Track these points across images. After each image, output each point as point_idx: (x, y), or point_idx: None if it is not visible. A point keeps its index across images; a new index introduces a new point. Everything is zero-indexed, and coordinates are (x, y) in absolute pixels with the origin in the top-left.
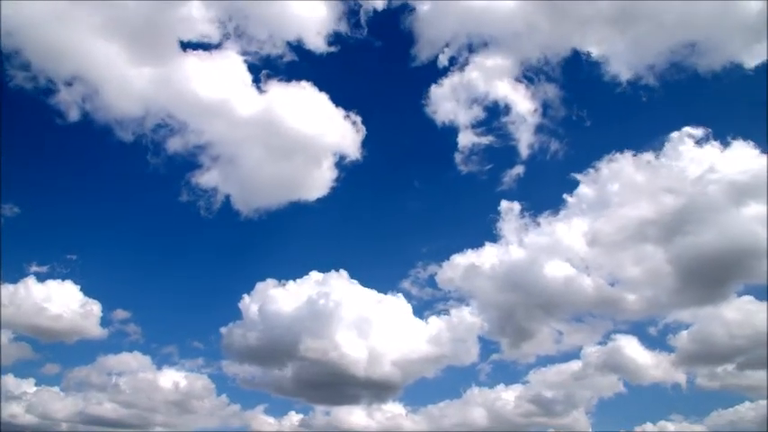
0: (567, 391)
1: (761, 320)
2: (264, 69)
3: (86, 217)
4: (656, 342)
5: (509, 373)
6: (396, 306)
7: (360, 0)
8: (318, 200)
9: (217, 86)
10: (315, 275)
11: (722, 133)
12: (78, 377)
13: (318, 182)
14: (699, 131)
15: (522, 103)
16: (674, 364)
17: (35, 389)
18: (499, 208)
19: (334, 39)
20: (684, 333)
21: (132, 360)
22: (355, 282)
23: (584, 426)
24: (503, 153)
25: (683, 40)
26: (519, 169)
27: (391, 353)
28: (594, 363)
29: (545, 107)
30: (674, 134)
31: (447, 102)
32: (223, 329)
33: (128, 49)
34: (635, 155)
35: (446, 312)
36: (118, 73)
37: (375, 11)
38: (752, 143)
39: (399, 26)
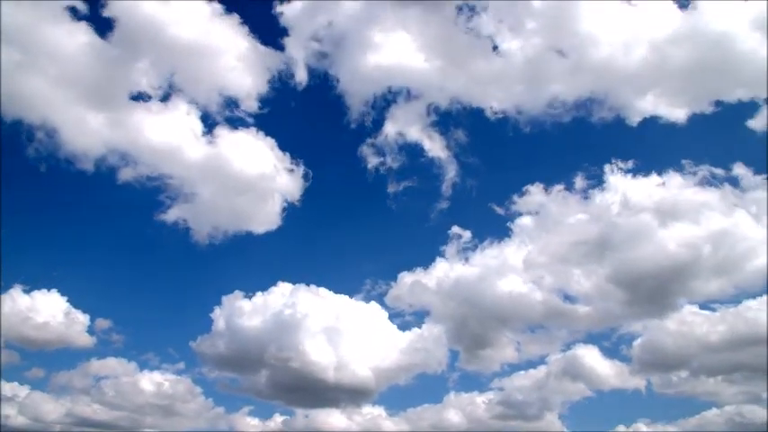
0: (537, 396)
1: (706, 330)
2: (211, 119)
3: (70, 238)
4: (613, 351)
5: (478, 381)
6: (366, 314)
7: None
8: (267, 233)
9: (169, 133)
10: (282, 286)
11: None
12: (66, 382)
13: (268, 217)
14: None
15: (437, 147)
16: (632, 373)
17: (27, 392)
18: (449, 231)
19: (273, 98)
20: (638, 343)
21: (118, 365)
22: (322, 289)
23: (558, 428)
24: (428, 191)
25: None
26: (444, 204)
27: (361, 360)
28: (558, 370)
29: (458, 150)
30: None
31: (374, 154)
32: (193, 342)
33: (84, 96)
34: (546, 188)
35: (417, 324)
36: (75, 116)
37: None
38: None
39: (327, 93)
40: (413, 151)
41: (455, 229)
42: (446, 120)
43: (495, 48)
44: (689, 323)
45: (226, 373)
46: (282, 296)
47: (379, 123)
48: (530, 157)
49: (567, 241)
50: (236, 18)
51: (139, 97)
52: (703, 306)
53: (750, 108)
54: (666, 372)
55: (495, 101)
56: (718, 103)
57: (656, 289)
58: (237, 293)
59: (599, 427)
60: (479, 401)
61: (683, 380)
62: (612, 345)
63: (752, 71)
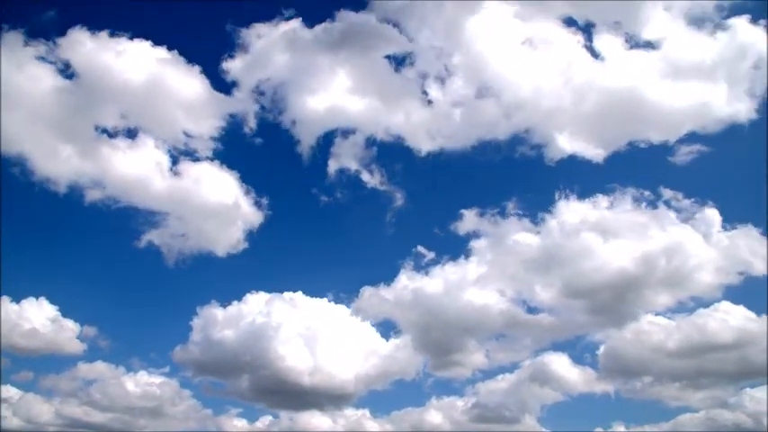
0: (514, 399)
1: (664, 338)
2: (176, 154)
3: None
4: (580, 358)
5: (452, 386)
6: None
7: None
8: (233, 255)
9: (136, 165)
10: (257, 296)
11: None
12: (57, 385)
13: (231, 241)
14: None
15: (376, 179)
16: (599, 378)
17: (21, 394)
18: (413, 250)
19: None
20: (601, 351)
21: (107, 369)
22: (299, 294)
23: (538, 428)
24: (376, 218)
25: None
26: (392, 229)
27: (338, 365)
28: (530, 376)
29: (398, 181)
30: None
31: (324, 187)
32: (175, 350)
33: (55, 131)
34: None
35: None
36: (47, 147)
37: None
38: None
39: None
40: (355, 183)
41: (417, 249)
42: (383, 154)
43: (424, 92)
44: (647, 332)
45: (208, 378)
46: (256, 305)
47: (324, 159)
48: (467, 186)
49: (519, 259)
50: (192, 66)
51: (107, 133)
52: (660, 315)
53: (664, 149)
54: (631, 378)
55: (427, 137)
56: (632, 143)
57: (611, 300)
58: (213, 303)
59: (577, 428)
60: (459, 405)
61: (647, 384)
62: (579, 352)
63: (661, 117)
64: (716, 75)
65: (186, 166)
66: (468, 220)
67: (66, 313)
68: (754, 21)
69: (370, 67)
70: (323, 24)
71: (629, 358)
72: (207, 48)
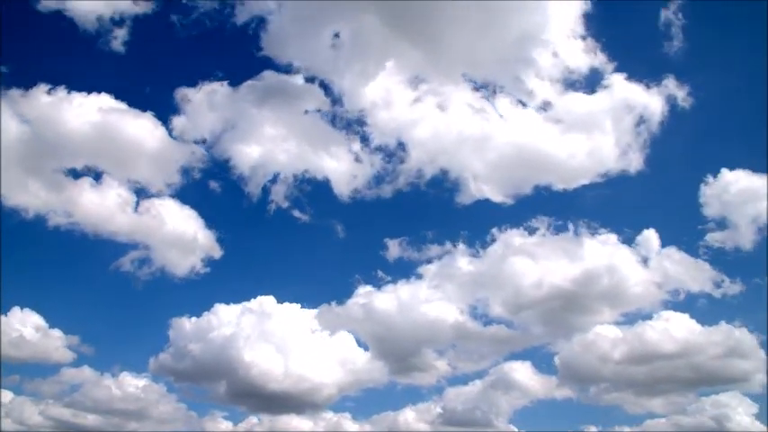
0: (482, 404)
1: (611, 347)
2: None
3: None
4: (541, 367)
5: (419, 393)
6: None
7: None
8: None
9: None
10: (230, 306)
11: None
12: (47, 390)
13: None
14: None
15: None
16: (560, 385)
17: (11, 397)
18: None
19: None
20: (558, 360)
21: (93, 375)
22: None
23: (511, 429)
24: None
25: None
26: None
27: (309, 371)
28: (494, 383)
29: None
30: None
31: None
32: (153, 358)
33: (24, 170)
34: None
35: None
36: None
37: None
38: None
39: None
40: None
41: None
42: (316, 192)
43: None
44: (595, 342)
45: (188, 384)
46: (225, 315)
47: (266, 198)
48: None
49: (466, 279)
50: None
51: (72, 173)
52: (608, 325)
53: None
54: (588, 384)
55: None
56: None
57: (558, 313)
58: (185, 317)
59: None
60: (431, 409)
61: (603, 390)
62: (539, 361)
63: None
64: (603, 129)
65: (149, 203)
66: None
67: (52, 324)
68: (630, 79)
69: (293, 118)
70: (250, 82)
71: (582, 367)
72: (160, 101)
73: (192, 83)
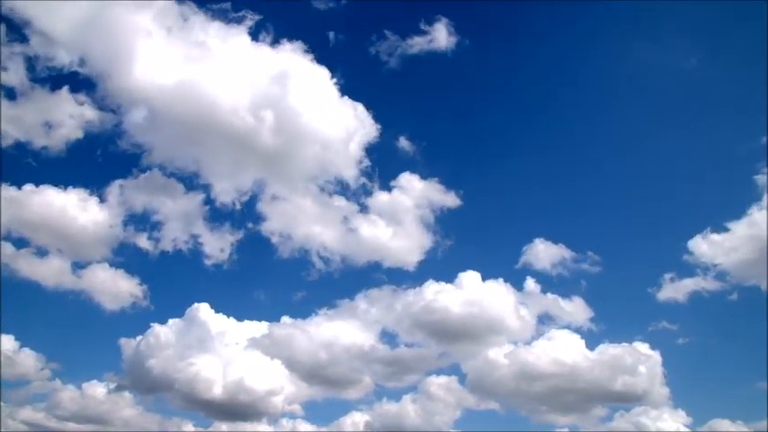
0: (415, 415)
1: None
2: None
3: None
4: (463, 381)
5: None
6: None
7: None
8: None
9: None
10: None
11: None
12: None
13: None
14: None
15: None
16: (479, 400)
17: None
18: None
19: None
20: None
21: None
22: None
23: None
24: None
25: None
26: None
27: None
28: (428, 394)
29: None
30: None
31: None
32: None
33: None
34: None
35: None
36: None
37: None
38: None
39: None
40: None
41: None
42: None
43: None
44: (495, 361)
45: (145, 395)
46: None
47: None
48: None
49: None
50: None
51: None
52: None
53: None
54: (500, 399)
55: None
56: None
57: (461, 336)
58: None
59: None
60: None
61: (519, 405)
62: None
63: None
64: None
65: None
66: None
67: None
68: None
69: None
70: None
71: (488, 384)
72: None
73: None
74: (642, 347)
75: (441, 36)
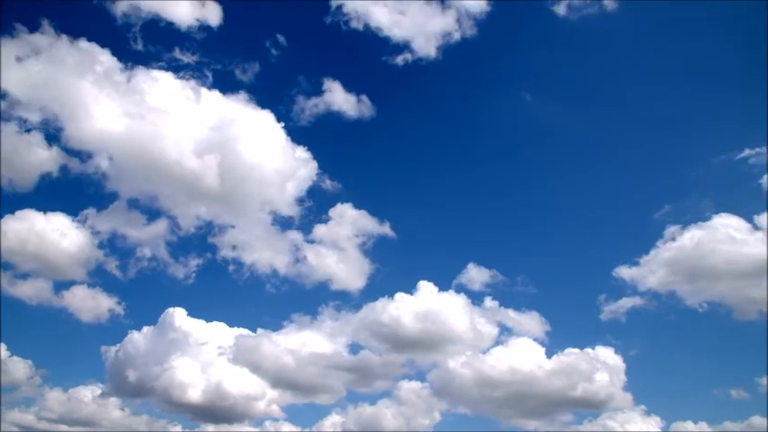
0: (397, 421)
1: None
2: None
3: None
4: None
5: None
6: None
7: None
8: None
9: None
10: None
11: None
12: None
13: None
14: None
15: None
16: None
17: None
18: None
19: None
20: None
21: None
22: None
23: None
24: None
25: None
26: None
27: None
28: (400, 399)
29: None
30: None
31: None
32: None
33: None
34: None
35: None
36: None
37: None
38: None
39: None
40: None
41: None
42: None
43: None
44: (457, 369)
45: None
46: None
47: None
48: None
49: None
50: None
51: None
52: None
53: None
54: (467, 405)
55: None
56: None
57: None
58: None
59: None
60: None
61: (486, 410)
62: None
63: None
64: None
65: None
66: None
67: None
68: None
69: None
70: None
71: (453, 390)
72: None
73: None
74: (603, 352)
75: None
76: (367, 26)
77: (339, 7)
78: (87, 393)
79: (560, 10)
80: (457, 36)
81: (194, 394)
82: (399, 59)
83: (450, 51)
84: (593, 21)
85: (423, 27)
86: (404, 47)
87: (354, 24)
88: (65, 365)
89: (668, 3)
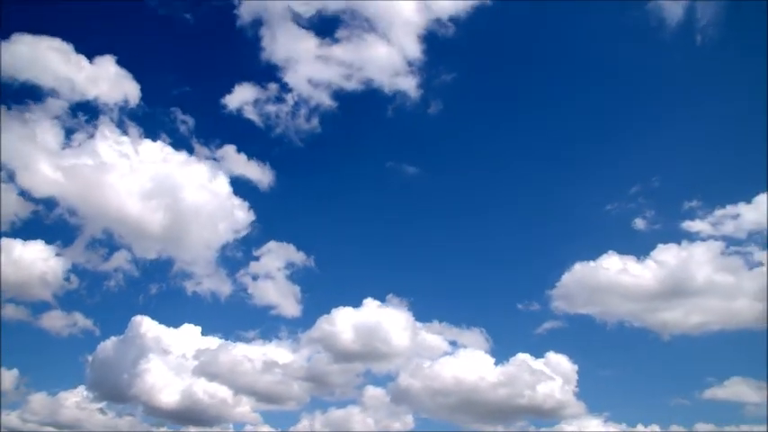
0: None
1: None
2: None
3: None
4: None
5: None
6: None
7: None
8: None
9: None
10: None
11: None
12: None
13: None
14: None
15: None
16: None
17: None
18: None
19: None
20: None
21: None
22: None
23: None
24: None
25: None
26: None
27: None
28: (365, 405)
29: None
30: None
31: None
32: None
33: None
34: None
35: None
36: None
37: None
38: None
39: None
40: None
41: None
42: None
43: None
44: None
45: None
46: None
47: None
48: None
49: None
50: None
51: None
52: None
53: None
54: (430, 411)
55: None
56: None
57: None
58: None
59: None
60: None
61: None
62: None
63: None
64: None
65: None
66: None
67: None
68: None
69: None
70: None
71: (411, 397)
72: None
73: None
74: (555, 358)
75: None
76: None
77: None
78: (73, 399)
79: None
80: None
81: (169, 398)
82: None
83: None
84: None
85: None
86: None
87: None
88: (49, 375)
89: None
